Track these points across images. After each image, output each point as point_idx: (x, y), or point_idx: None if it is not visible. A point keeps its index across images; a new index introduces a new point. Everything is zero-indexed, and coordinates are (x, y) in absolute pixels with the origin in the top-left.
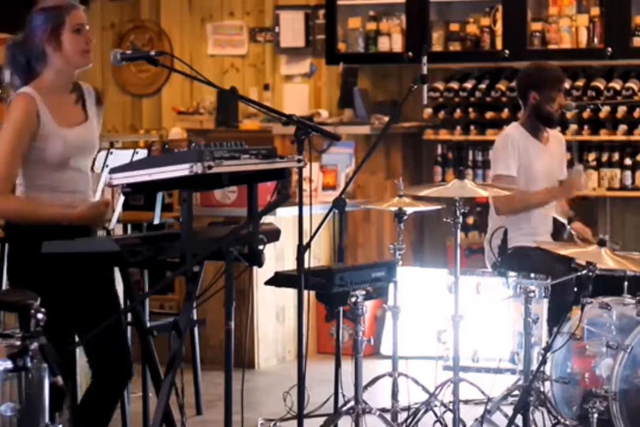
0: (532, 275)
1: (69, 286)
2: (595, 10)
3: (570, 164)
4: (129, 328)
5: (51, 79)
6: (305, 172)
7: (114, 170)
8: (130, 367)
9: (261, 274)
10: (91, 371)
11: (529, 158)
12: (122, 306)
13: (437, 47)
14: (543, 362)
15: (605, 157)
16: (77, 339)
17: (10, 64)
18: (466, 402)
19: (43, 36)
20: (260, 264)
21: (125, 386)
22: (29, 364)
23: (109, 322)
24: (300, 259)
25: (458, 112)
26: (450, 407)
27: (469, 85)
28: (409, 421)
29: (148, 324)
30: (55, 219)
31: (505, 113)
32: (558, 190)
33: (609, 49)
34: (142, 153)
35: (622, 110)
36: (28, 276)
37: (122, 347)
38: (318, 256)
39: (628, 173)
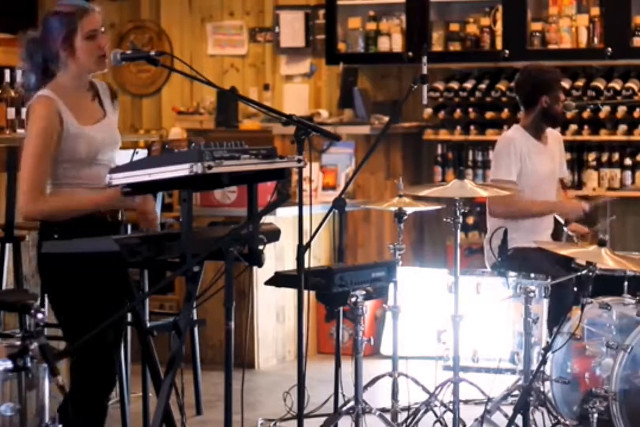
0: (532, 275)
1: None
2: (595, 10)
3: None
4: (129, 328)
5: (67, 81)
6: (305, 172)
7: (114, 170)
8: (114, 376)
9: (261, 274)
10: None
11: (531, 160)
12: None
13: (437, 47)
14: (543, 362)
15: (605, 157)
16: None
17: (28, 62)
18: (466, 402)
19: (57, 41)
20: (260, 264)
21: (108, 393)
22: (29, 364)
23: (106, 324)
24: (300, 259)
25: (458, 112)
26: (450, 407)
27: (469, 85)
28: (409, 421)
29: (148, 324)
30: (98, 205)
31: (505, 113)
32: (559, 208)
33: (609, 49)
34: (142, 153)
35: (622, 110)
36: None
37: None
38: (318, 256)
39: (628, 173)
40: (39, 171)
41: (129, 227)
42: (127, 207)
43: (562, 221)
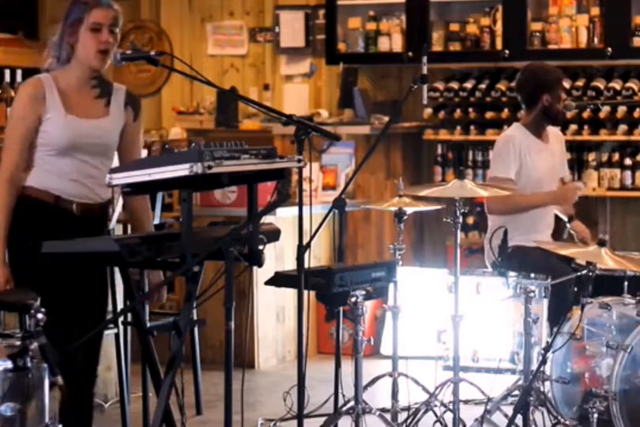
0: (532, 275)
1: (62, 285)
2: (595, 10)
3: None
4: (129, 328)
5: (72, 69)
6: (305, 172)
7: (114, 171)
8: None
9: (261, 274)
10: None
11: (531, 158)
12: (122, 306)
13: (437, 47)
14: (543, 362)
15: (605, 157)
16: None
17: (58, 41)
18: (466, 402)
19: (64, 29)
20: (260, 264)
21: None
22: (29, 364)
23: (107, 324)
24: (300, 259)
25: (458, 112)
26: (450, 407)
27: (469, 85)
28: (409, 421)
29: (148, 324)
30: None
31: (505, 113)
32: (553, 196)
33: (609, 49)
34: (142, 153)
35: (622, 110)
36: (26, 274)
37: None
38: (318, 256)
39: (628, 173)
40: (14, 156)
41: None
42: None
43: (565, 218)
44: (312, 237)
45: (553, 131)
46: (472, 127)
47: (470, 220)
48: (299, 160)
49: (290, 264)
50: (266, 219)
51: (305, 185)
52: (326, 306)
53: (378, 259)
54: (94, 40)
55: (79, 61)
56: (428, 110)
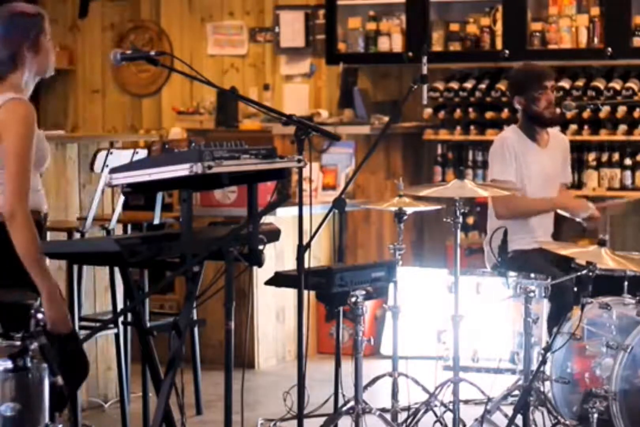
0: (532, 275)
1: None
2: (595, 10)
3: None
4: (129, 328)
5: (27, 83)
6: (305, 172)
7: (114, 170)
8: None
9: (261, 274)
10: None
11: (525, 160)
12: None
13: (437, 47)
14: (543, 362)
15: (605, 157)
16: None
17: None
18: (466, 402)
19: (24, 41)
20: (260, 264)
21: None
22: (29, 364)
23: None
24: (300, 259)
25: (458, 112)
26: (450, 407)
27: (469, 85)
28: (409, 421)
29: (148, 324)
30: None
31: (505, 113)
32: (563, 204)
33: (609, 49)
34: (142, 153)
35: (622, 110)
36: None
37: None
38: (318, 256)
39: (628, 173)
40: (28, 184)
41: None
42: None
43: (566, 214)
44: (312, 237)
45: (556, 136)
46: (472, 127)
47: (470, 220)
48: (299, 160)
49: (290, 264)
50: (266, 219)
51: (305, 185)
52: (326, 306)
53: (378, 259)
54: (52, 49)
55: (39, 70)
56: (428, 110)
